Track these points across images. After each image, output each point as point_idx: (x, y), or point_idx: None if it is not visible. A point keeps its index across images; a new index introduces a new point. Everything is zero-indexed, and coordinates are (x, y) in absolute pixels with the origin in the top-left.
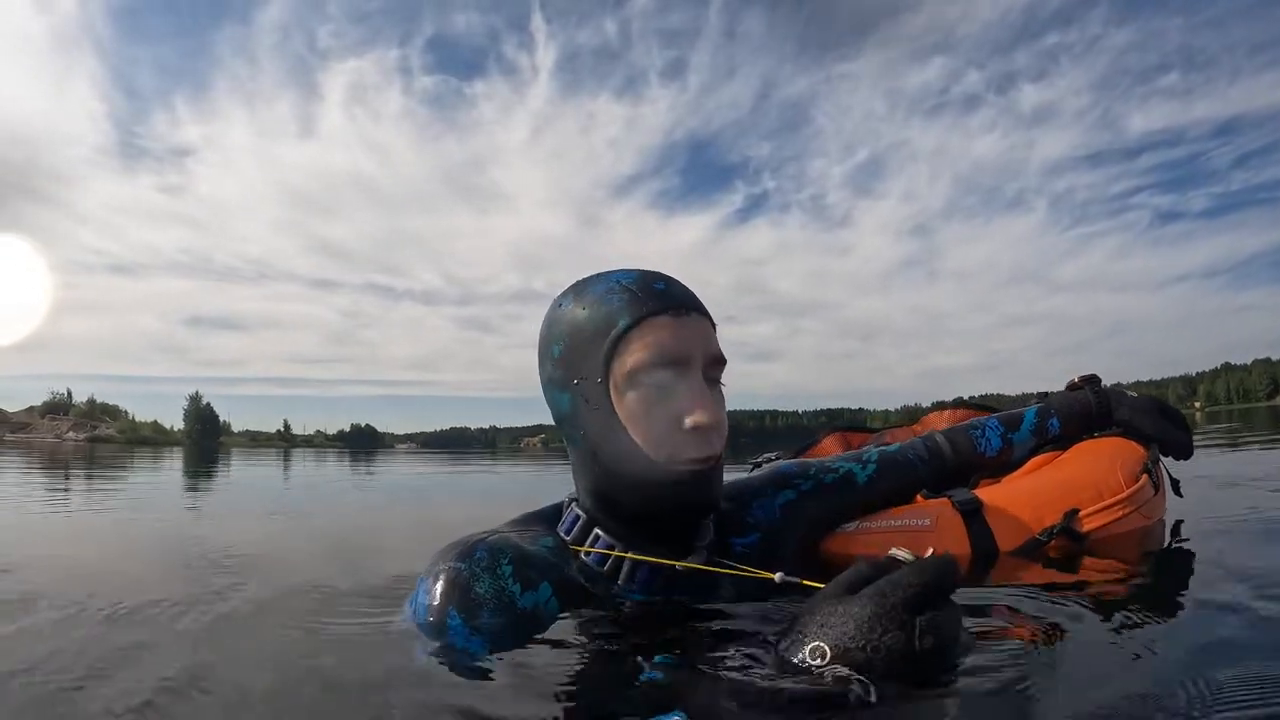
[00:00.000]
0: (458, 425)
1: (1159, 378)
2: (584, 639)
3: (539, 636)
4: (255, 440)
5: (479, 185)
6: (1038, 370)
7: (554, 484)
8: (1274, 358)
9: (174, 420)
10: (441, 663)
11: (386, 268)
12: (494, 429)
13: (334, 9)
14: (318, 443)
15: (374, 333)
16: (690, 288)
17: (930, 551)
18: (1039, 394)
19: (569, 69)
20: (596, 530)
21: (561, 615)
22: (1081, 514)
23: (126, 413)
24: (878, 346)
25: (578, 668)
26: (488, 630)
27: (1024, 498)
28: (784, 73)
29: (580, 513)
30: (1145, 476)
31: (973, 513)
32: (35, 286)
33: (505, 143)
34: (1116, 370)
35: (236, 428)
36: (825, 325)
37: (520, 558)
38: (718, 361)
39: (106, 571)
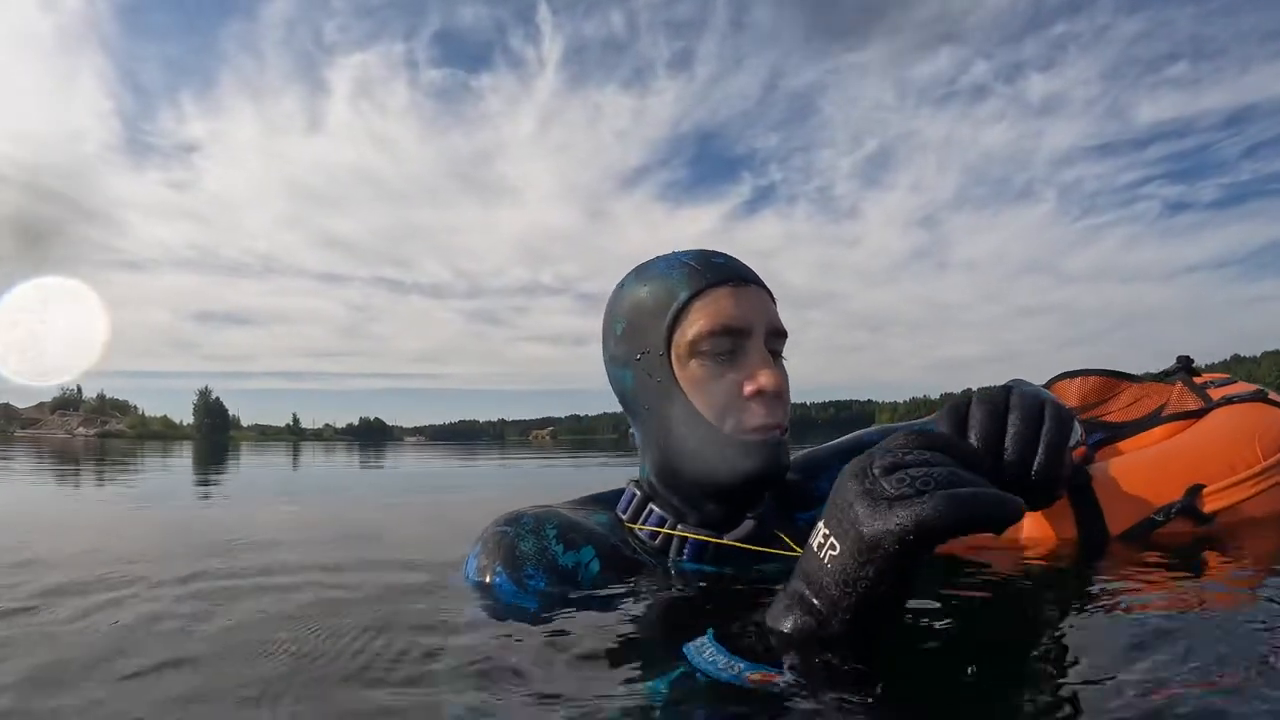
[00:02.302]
0: (466, 418)
1: (1167, 368)
2: (629, 600)
3: (584, 596)
4: (264, 434)
5: (486, 178)
6: (1048, 361)
7: (569, 474)
8: None
9: (184, 415)
10: (488, 618)
11: (394, 261)
12: (502, 421)
13: (340, 3)
14: (327, 436)
15: (382, 326)
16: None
17: None
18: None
19: (576, 61)
20: (651, 505)
21: (609, 582)
22: (1206, 491)
23: (136, 408)
24: (887, 338)
25: (616, 626)
26: (531, 587)
27: (1144, 471)
28: (791, 63)
29: (636, 491)
30: None
31: (1081, 487)
32: (92, 326)
33: (512, 135)
34: (1125, 362)
35: (246, 422)
36: (834, 317)
37: (566, 524)
38: (779, 334)
39: (131, 556)
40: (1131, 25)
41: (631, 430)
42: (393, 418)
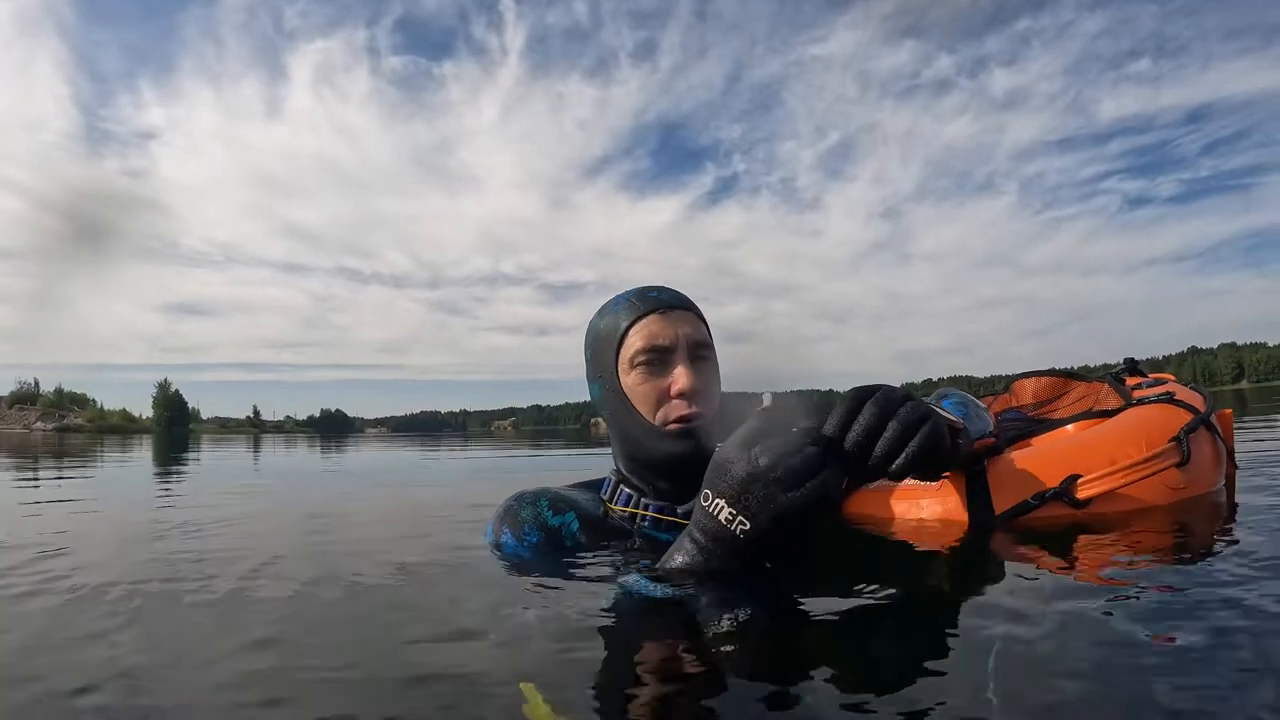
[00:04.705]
0: (428, 409)
1: (1124, 360)
2: (597, 552)
3: (566, 548)
4: (225, 427)
5: (448, 167)
6: (1009, 352)
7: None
8: (1240, 342)
9: (143, 408)
10: (495, 562)
11: (355, 251)
12: (465, 412)
13: None
14: (288, 428)
15: (344, 316)
16: (682, 292)
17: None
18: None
19: (539, 49)
20: (622, 487)
21: (586, 538)
22: (1081, 480)
23: (95, 401)
24: (850, 329)
25: (583, 566)
26: (529, 542)
27: (1034, 461)
28: (755, 54)
29: (613, 478)
30: (1173, 445)
31: (977, 474)
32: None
33: (474, 124)
34: (1084, 354)
35: (206, 414)
36: (797, 307)
37: (556, 497)
38: (701, 344)
39: (116, 552)
40: (1094, 22)
41: (595, 420)
42: (354, 409)
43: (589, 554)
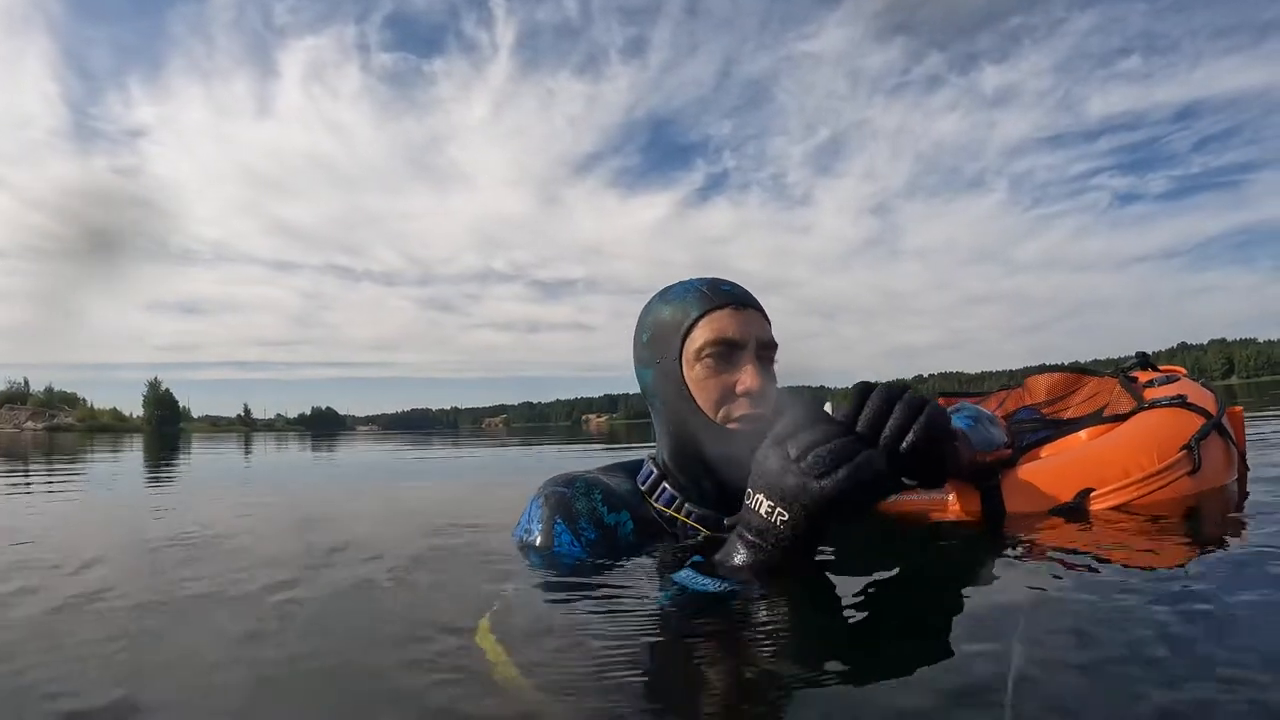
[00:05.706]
0: (419, 406)
1: (1116, 356)
2: (651, 552)
3: (620, 547)
4: (215, 426)
5: (438, 164)
6: (999, 348)
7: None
8: (1229, 338)
9: (133, 407)
10: (551, 563)
11: (346, 248)
12: (455, 410)
13: None
14: (278, 426)
15: (334, 314)
16: (750, 291)
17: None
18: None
19: (529, 46)
20: (664, 484)
21: (639, 539)
22: (1095, 494)
23: (85, 400)
24: (840, 325)
25: (639, 566)
26: (584, 538)
27: (1048, 474)
28: (746, 50)
29: (654, 468)
30: (1184, 454)
31: (991, 489)
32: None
33: (464, 121)
34: (1075, 350)
35: (196, 413)
36: (787, 303)
37: (608, 491)
38: (768, 346)
39: (111, 557)
40: (1085, 19)
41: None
42: (345, 407)
43: (641, 551)
